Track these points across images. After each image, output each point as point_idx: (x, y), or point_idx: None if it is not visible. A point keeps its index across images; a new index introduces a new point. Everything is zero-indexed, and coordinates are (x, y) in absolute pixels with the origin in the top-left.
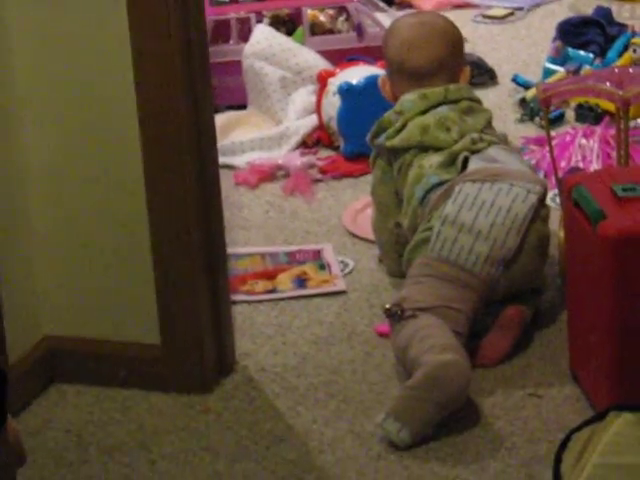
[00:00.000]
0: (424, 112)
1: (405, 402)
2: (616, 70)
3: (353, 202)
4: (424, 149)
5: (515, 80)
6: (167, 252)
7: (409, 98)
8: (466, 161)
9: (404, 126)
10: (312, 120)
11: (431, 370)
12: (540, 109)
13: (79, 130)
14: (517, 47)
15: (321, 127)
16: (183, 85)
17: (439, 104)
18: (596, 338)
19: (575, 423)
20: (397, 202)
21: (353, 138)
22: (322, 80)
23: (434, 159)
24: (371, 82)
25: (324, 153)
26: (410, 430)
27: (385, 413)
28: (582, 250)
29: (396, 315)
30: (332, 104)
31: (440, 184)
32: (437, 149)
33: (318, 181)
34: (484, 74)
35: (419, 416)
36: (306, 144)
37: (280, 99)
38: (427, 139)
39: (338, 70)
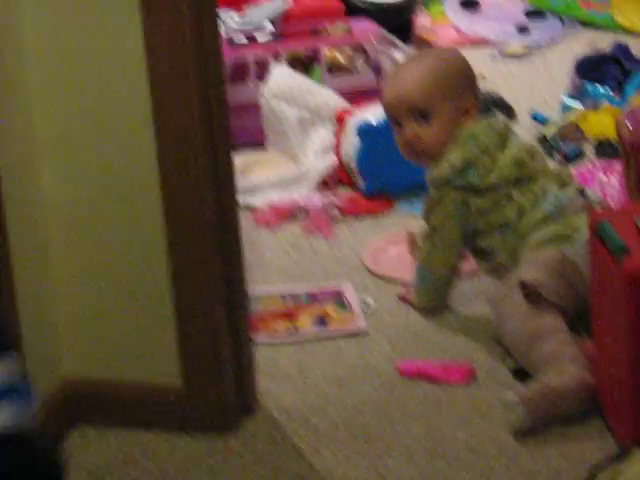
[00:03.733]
0: (502, 144)
1: (539, 398)
2: None
3: (374, 241)
4: (518, 182)
5: (534, 117)
6: (187, 291)
7: (484, 132)
8: (583, 191)
9: (493, 163)
10: (331, 160)
11: (575, 384)
12: (559, 145)
13: (98, 172)
14: (535, 83)
15: (340, 166)
16: (202, 127)
17: (505, 134)
18: (618, 372)
19: (599, 460)
20: (463, 238)
21: (373, 177)
22: (341, 120)
23: (546, 187)
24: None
25: (343, 192)
26: (529, 424)
27: (517, 396)
28: (606, 286)
29: (533, 297)
30: (351, 144)
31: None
32: (530, 179)
33: (338, 220)
34: (503, 112)
35: (543, 416)
36: (326, 184)
37: (299, 139)
38: (525, 172)
39: (356, 110)
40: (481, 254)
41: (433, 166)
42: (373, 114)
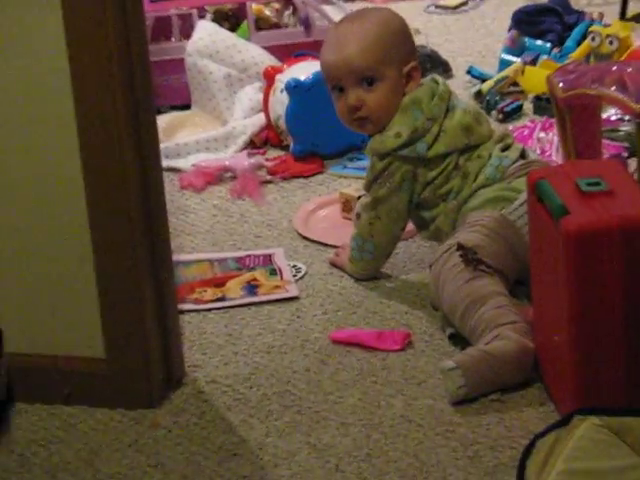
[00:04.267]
0: (447, 109)
1: (477, 364)
2: None
3: (304, 204)
4: (467, 149)
5: (470, 72)
6: (110, 262)
7: (428, 98)
8: (524, 152)
9: (440, 131)
10: (259, 119)
11: (515, 349)
12: (496, 101)
13: (11, 129)
14: (471, 37)
15: (269, 126)
16: (122, 87)
17: (448, 98)
18: (559, 338)
19: (539, 428)
20: (408, 210)
21: (303, 137)
22: (269, 77)
23: (490, 150)
24: (320, 78)
25: (273, 153)
26: (467, 391)
27: (455, 362)
28: (545, 247)
29: (471, 260)
30: (280, 102)
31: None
32: (477, 145)
33: (267, 182)
34: (438, 67)
35: (482, 382)
36: (254, 144)
37: (226, 98)
38: (473, 139)
39: (285, 66)
40: (422, 222)
41: (377, 135)
42: (303, 71)
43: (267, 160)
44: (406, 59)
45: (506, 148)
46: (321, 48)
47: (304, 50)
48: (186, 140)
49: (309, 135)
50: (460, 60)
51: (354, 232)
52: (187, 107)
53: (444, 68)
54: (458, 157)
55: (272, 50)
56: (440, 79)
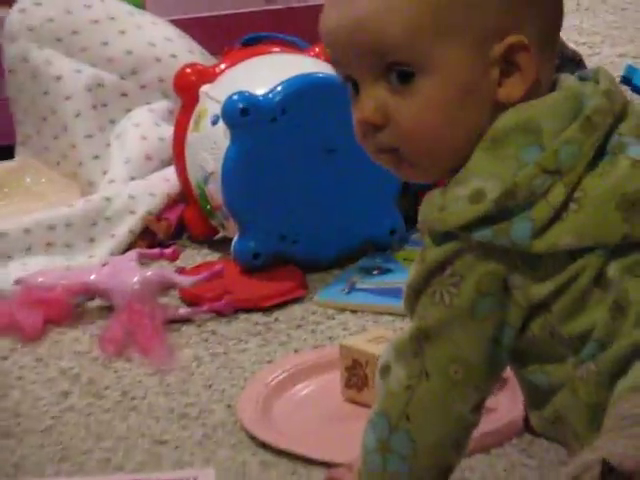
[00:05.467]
0: (599, 157)
1: None
2: None
3: (261, 370)
4: (625, 248)
5: (629, 80)
6: None
7: (569, 132)
8: None
9: (571, 199)
10: (163, 181)
11: None
12: None
13: None
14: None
15: (187, 196)
16: None
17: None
18: None
19: None
20: (493, 366)
21: (260, 221)
22: (187, 90)
23: None
24: (299, 91)
25: (193, 256)
26: None
27: None
28: None
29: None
30: (210, 143)
31: None
32: None
33: (181, 322)
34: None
35: None
36: (151, 237)
37: (90, 133)
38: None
39: (223, 66)
40: (530, 393)
41: (434, 193)
42: (260, 76)
43: (181, 272)
44: (500, 26)
45: None
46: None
47: (263, 32)
48: (7, 226)
49: (275, 218)
50: (605, 52)
51: (371, 414)
52: (8, 153)
53: (577, 70)
54: (605, 261)
55: (192, 31)
56: (602, 80)
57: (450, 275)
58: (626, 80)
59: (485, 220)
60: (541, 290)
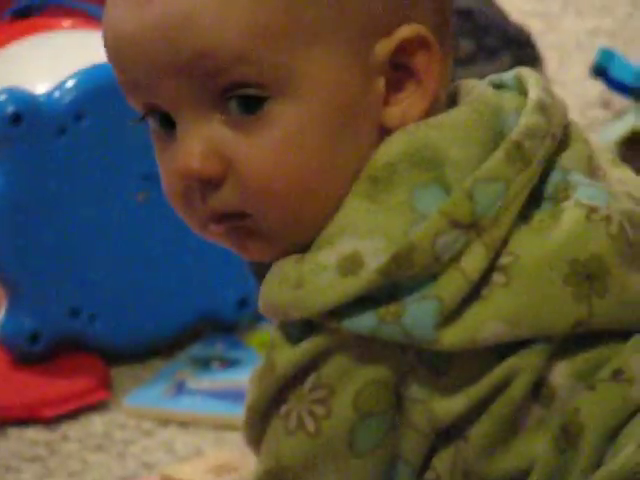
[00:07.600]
0: (530, 205)
1: None
2: None
3: None
4: (579, 340)
5: (600, 72)
6: None
7: (489, 165)
8: None
9: (491, 271)
10: None
11: None
12: None
13: None
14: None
15: None
16: None
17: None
18: None
19: None
20: None
21: (41, 286)
22: None
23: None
24: (105, 89)
25: None
26: None
27: None
28: None
29: None
30: None
31: None
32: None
33: None
34: (510, 49)
35: None
36: None
37: None
38: (600, 306)
39: None
40: None
41: (286, 263)
42: (39, 65)
43: None
44: (386, 15)
45: None
46: None
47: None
48: None
49: (63, 283)
50: (568, 25)
51: None
52: None
53: (524, 53)
54: (548, 362)
55: None
56: (532, 87)
57: (314, 387)
58: (599, 70)
59: (364, 301)
60: (451, 407)
